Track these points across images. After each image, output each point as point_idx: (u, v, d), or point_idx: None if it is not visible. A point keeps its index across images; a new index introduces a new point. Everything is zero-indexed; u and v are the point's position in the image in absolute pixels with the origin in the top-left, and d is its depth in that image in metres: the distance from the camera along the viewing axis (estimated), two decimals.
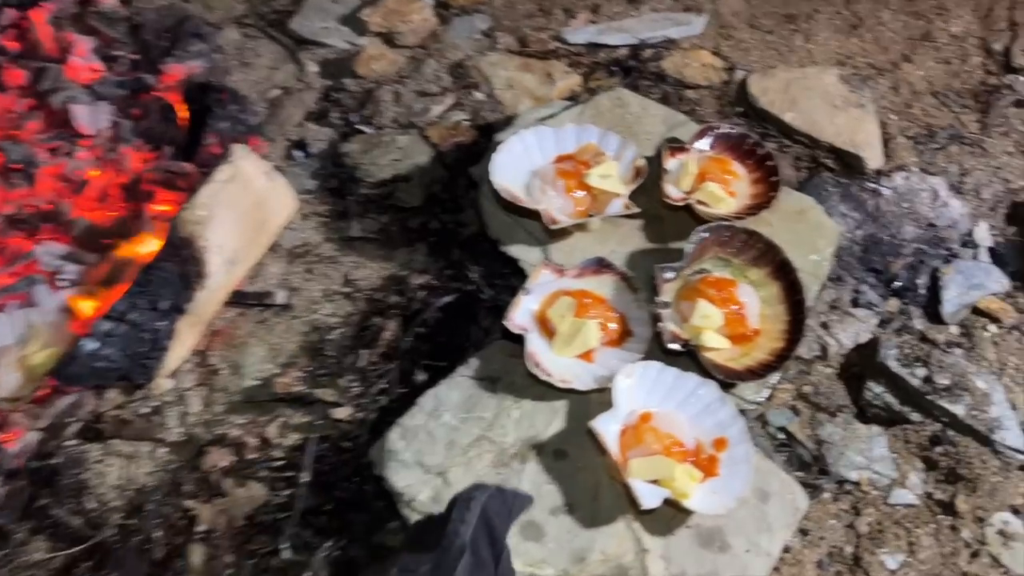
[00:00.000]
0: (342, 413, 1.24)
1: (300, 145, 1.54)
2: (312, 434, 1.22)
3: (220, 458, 1.22)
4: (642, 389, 1.13)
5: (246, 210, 1.36)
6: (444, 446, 1.12)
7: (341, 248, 1.44)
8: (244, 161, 1.35)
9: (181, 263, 1.28)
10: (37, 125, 1.59)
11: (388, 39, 1.70)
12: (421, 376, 1.25)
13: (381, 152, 1.51)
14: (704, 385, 1.13)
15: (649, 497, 1.03)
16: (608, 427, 1.08)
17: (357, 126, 1.57)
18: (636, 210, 1.27)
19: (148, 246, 1.39)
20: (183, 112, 1.59)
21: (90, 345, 1.26)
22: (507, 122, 1.53)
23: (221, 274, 1.33)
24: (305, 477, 1.18)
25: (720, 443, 1.09)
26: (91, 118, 1.58)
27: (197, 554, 1.14)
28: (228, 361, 1.33)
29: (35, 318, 1.33)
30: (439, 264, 1.39)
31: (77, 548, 1.16)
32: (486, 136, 1.55)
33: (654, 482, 1.05)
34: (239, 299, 1.38)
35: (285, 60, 1.70)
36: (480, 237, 1.37)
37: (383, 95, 1.62)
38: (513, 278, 1.31)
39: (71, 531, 1.18)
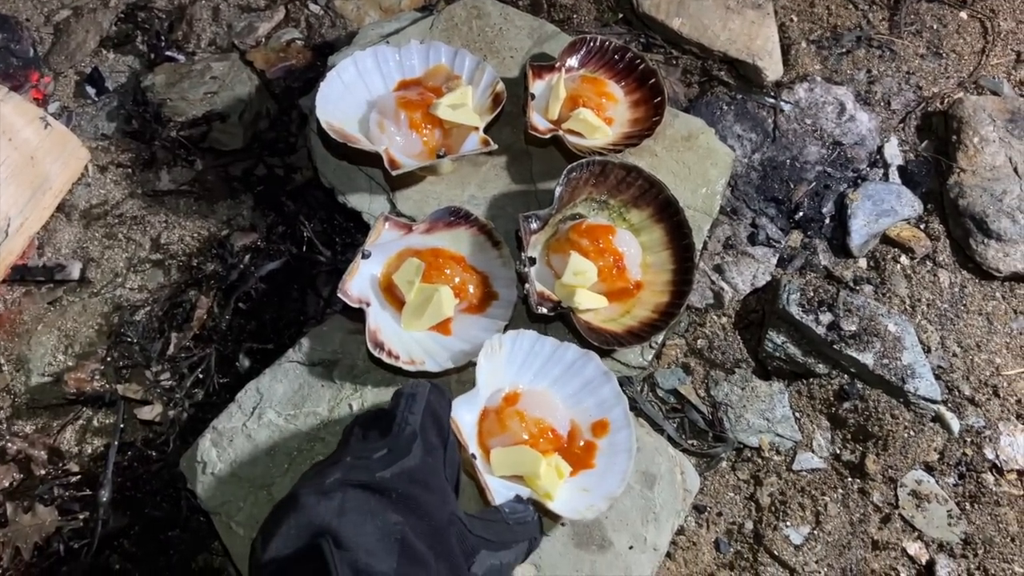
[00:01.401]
0: (150, 413, 1.02)
1: (93, 79, 1.26)
2: (113, 441, 1.01)
3: (1, 477, 1.01)
4: (512, 364, 0.95)
5: (15, 167, 1.09)
6: (266, 452, 0.92)
7: (149, 205, 1.19)
8: (5, 106, 1.08)
9: None
10: None
11: None
12: (244, 362, 1.04)
13: (192, 83, 1.24)
14: (585, 357, 0.95)
15: (498, 492, 0.86)
16: (463, 415, 0.89)
17: (167, 53, 1.29)
18: (494, 147, 1.06)
19: None
20: None
21: None
22: (348, 40, 1.28)
23: None
24: (104, 495, 0.98)
25: (600, 427, 0.93)
26: None
27: None
28: (10, 354, 1.08)
29: None
30: (268, 220, 1.16)
31: None
32: (321, 59, 1.29)
33: (516, 478, 0.88)
34: (22, 275, 1.13)
35: None
36: (315, 185, 1.14)
37: (199, 12, 1.34)
38: (357, 234, 1.10)
39: None
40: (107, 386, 1.03)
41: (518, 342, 0.95)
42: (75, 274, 1.13)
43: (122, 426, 1.00)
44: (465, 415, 0.90)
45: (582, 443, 0.91)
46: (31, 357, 1.07)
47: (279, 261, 1.07)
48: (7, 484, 0.99)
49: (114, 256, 1.15)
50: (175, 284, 1.10)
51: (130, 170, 1.20)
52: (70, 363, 1.06)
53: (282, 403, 0.95)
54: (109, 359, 1.05)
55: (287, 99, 1.24)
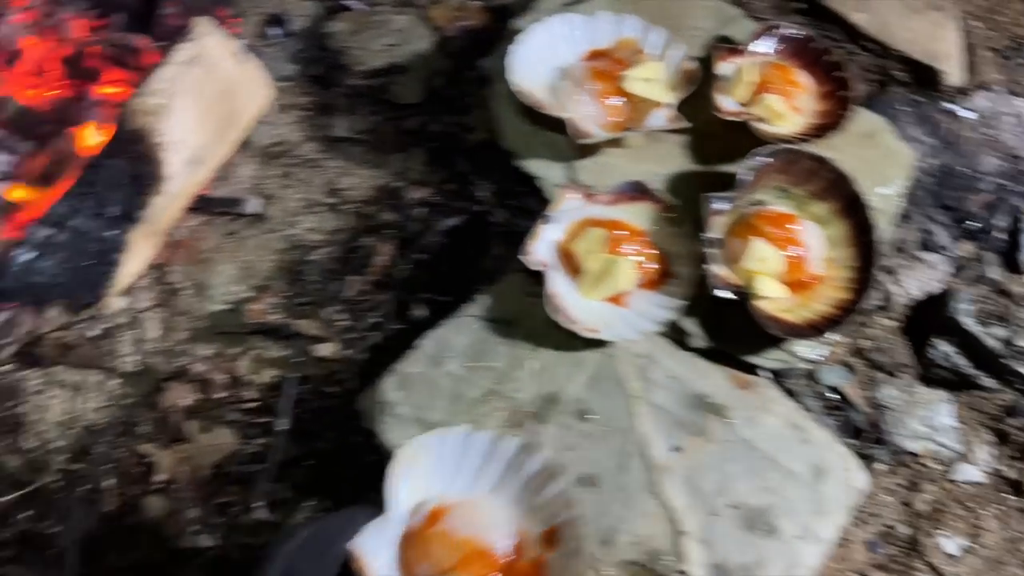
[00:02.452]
0: (326, 350, 1.06)
1: (277, 20, 1.29)
2: (291, 373, 1.05)
3: (182, 396, 1.05)
4: (438, 470, 0.81)
5: (212, 99, 1.13)
6: (448, 400, 0.95)
7: (324, 149, 1.22)
8: (210, 39, 1.11)
9: (133, 161, 1.06)
10: None
11: None
12: (420, 312, 1.07)
13: (373, 35, 1.27)
14: (531, 451, 0.83)
15: None
16: (374, 550, 0.74)
17: (345, 2, 1.32)
18: (685, 124, 1.07)
19: (94, 137, 1.18)
20: None
21: (25, 255, 1.05)
22: (524, 5, 1.29)
23: (182, 176, 1.11)
24: (283, 424, 1.01)
25: (550, 537, 0.80)
26: None
27: (155, 507, 0.99)
28: (191, 280, 1.13)
29: None
30: (439, 176, 1.18)
31: (14, 495, 1.00)
32: (499, 21, 1.31)
33: None
34: (204, 206, 1.16)
35: None
36: (490, 146, 1.16)
37: None
38: (529, 199, 1.12)
39: (6, 474, 1.02)
40: (284, 320, 1.07)
41: (446, 441, 0.82)
42: (253, 208, 1.16)
43: (298, 360, 1.04)
44: (378, 550, 0.75)
45: (528, 561, 0.78)
46: (210, 284, 1.11)
47: (460, 218, 1.09)
48: (188, 402, 1.04)
49: (290, 196, 1.18)
50: (350, 229, 1.13)
51: (309, 114, 1.23)
52: (248, 294, 1.10)
53: (462, 354, 0.97)
54: (286, 295, 1.09)
55: (463, 58, 1.26)
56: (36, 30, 1.26)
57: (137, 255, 1.10)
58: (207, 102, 1.11)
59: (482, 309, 1.01)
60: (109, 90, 1.20)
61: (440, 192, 1.15)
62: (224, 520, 0.98)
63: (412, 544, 0.77)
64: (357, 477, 0.98)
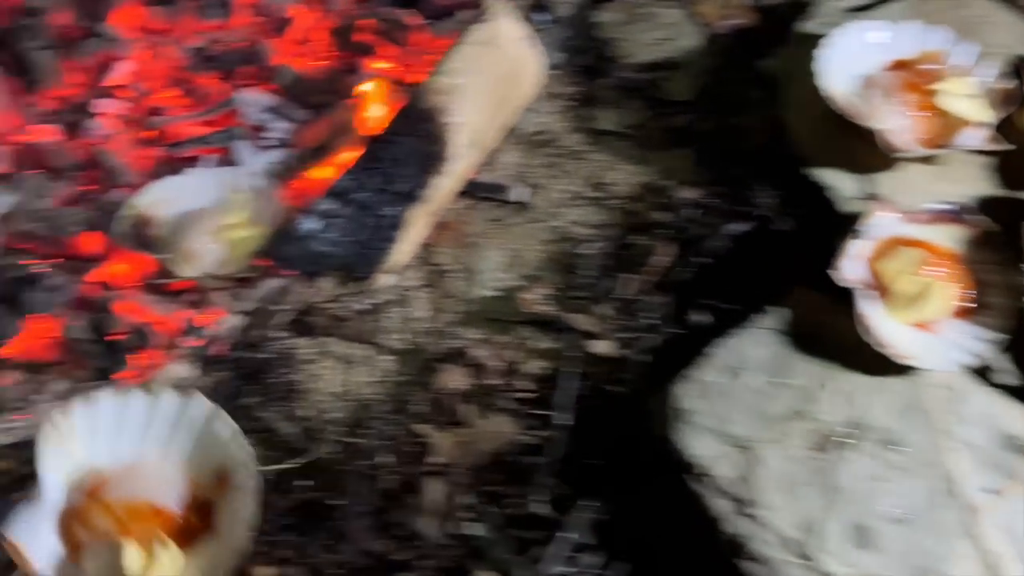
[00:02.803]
0: (602, 347, 1.04)
1: (542, 6, 1.27)
2: (566, 367, 1.03)
3: (455, 379, 1.04)
4: (93, 442, 0.81)
5: (496, 82, 1.12)
6: (749, 414, 0.92)
7: (589, 142, 1.20)
8: (504, 21, 1.10)
9: (422, 140, 1.06)
10: None
11: None
12: (701, 318, 1.04)
13: (643, 27, 1.24)
14: (185, 403, 0.84)
15: None
16: (29, 535, 0.74)
17: None
18: (1007, 147, 1.01)
19: (371, 111, 1.18)
20: None
21: (309, 224, 1.06)
22: (796, 8, 1.25)
23: (462, 158, 1.11)
24: (563, 419, 1.00)
25: (222, 479, 0.82)
26: None
27: (435, 490, 0.99)
28: (459, 263, 1.12)
29: (235, 181, 1.14)
30: (708, 177, 1.15)
31: (293, 462, 1.02)
32: (769, 21, 1.27)
33: None
34: (471, 189, 1.16)
35: None
36: (770, 151, 1.13)
37: None
38: (817, 209, 1.08)
39: (283, 440, 1.03)
40: (556, 313, 1.06)
41: (96, 410, 0.82)
42: (518, 196, 1.16)
43: (573, 355, 1.03)
44: (35, 535, 0.74)
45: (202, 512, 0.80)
46: (478, 269, 1.11)
47: (744, 223, 1.06)
48: (461, 386, 1.03)
49: (553, 186, 1.16)
50: (620, 226, 1.11)
51: (573, 104, 1.22)
52: (516, 282, 1.09)
53: (760, 368, 0.94)
54: (558, 287, 1.08)
55: (732, 57, 1.23)
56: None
57: (411, 234, 1.10)
58: (492, 85, 1.10)
59: (778, 322, 0.97)
60: (381, 65, 1.21)
61: (712, 194, 1.12)
62: (499, 511, 0.98)
63: (74, 521, 0.76)
64: (640, 480, 0.97)
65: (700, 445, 0.90)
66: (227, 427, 0.85)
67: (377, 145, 1.07)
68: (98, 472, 0.81)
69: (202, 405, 0.84)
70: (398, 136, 1.06)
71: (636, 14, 1.25)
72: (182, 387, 0.89)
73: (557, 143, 1.19)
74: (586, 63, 1.23)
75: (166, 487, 0.80)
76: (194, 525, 0.81)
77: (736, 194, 1.11)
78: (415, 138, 1.05)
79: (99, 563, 0.77)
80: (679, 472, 0.92)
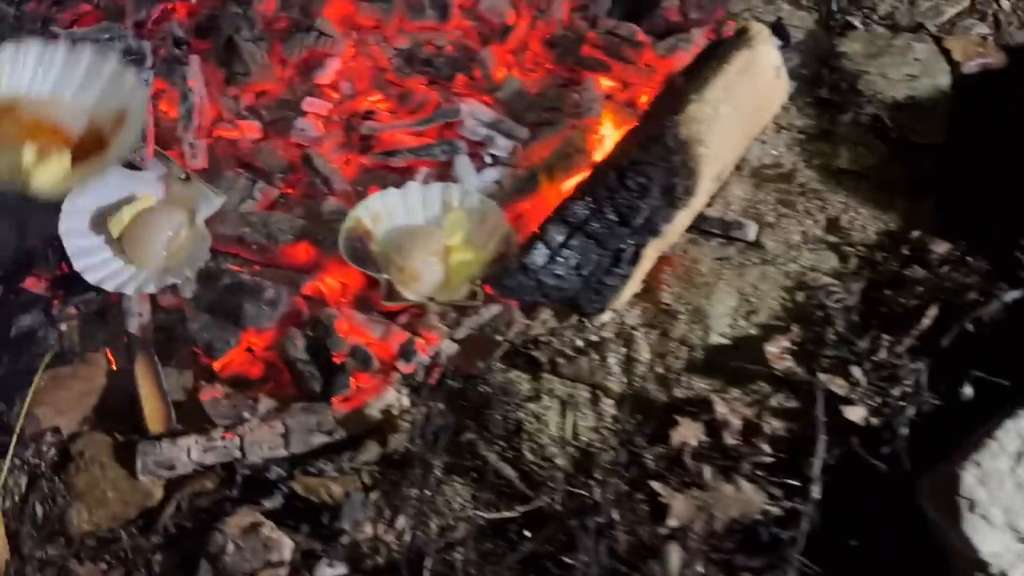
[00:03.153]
0: (855, 414, 0.95)
1: (777, 30, 1.18)
2: (814, 432, 0.95)
3: (690, 433, 0.97)
4: (15, 74, 1.04)
5: (748, 113, 1.03)
6: None
7: (824, 180, 1.10)
8: (764, 48, 1.02)
9: (669, 170, 0.98)
10: None
11: None
12: (967, 391, 0.96)
13: (891, 62, 1.15)
14: (101, 56, 1.06)
15: None
16: None
17: (847, 16, 1.21)
18: None
19: (601, 133, 1.11)
20: None
21: (536, 253, 0.99)
22: None
23: (705, 192, 1.03)
24: (814, 490, 0.93)
25: (120, 118, 1.04)
26: None
27: (673, 557, 0.92)
28: (687, 304, 1.04)
29: (456, 198, 1.07)
30: (960, 231, 1.06)
31: (516, 509, 0.95)
32: (1019, 64, 1.17)
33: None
34: (699, 224, 1.09)
35: None
36: None
37: None
38: None
39: (503, 482, 0.96)
40: (801, 370, 0.98)
41: (20, 55, 1.04)
42: (750, 235, 1.07)
43: (822, 419, 0.95)
44: None
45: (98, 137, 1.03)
46: (710, 313, 1.03)
47: (1020, 291, 0.97)
48: (694, 442, 0.96)
49: (787, 226, 1.08)
50: (869, 277, 1.03)
51: (806, 138, 1.13)
52: (752, 330, 1.02)
53: None
54: (801, 342, 1.00)
55: (984, 99, 1.13)
56: (514, 5, 1.20)
57: (642, 269, 1.03)
58: (743, 116, 1.02)
59: None
60: (608, 83, 1.13)
61: (971, 251, 1.03)
62: None
63: None
64: (904, 566, 0.89)
65: (992, 542, 0.82)
66: (132, 79, 1.05)
67: (615, 172, 0.99)
68: (17, 96, 1.04)
69: (114, 60, 1.06)
70: (642, 164, 0.97)
71: (885, 47, 1.15)
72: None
73: (789, 179, 1.10)
74: (824, 95, 1.14)
75: (71, 119, 1.04)
76: (88, 148, 1.03)
77: (1000, 253, 1.02)
78: (662, 168, 0.97)
79: (2, 162, 1.00)
80: (961, 564, 0.85)
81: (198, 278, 1.01)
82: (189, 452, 0.94)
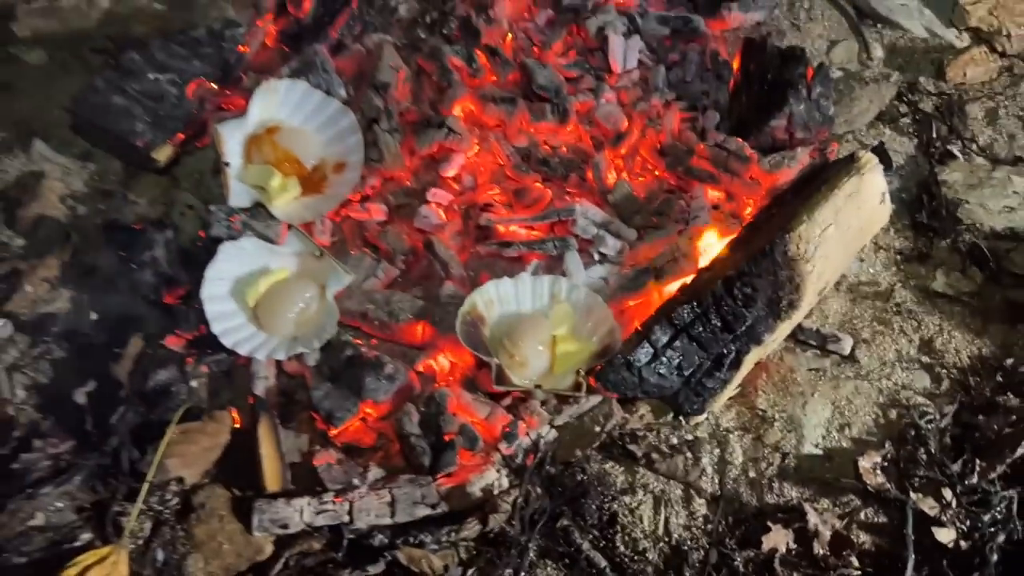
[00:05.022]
0: (945, 536, 0.98)
1: (881, 154, 1.23)
2: (909, 552, 0.97)
3: (780, 540, 1.00)
4: (284, 106, 1.21)
5: (851, 236, 1.08)
6: None
7: (920, 301, 1.15)
8: (872, 176, 1.07)
9: (775, 283, 1.04)
10: (560, 46, 1.35)
11: (988, 39, 1.37)
12: None
13: (992, 193, 1.20)
14: (344, 111, 1.21)
15: (236, 194, 1.15)
16: (232, 132, 1.18)
17: (947, 145, 1.26)
18: None
19: (707, 241, 1.17)
20: (734, 72, 1.29)
21: (645, 353, 1.04)
22: None
23: (806, 305, 1.08)
24: None
25: (339, 167, 1.20)
26: (624, 52, 1.31)
27: None
28: (780, 411, 1.08)
29: (565, 291, 1.13)
30: None
31: None
32: None
33: (258, 188, 1.17)
34: (796, 334, 1.13)
35: (846, 33, 1.40)
36: None
37: (973, 111, 1.30)
38: None
39: (594, 571, 0.99)
40: (893, 487, 1.00)
41: (293, 88, 1.22)
42: (846, 349, 1.11)
43: (913, 538, 0.97)
44: (235, 131, 1.18)
45: (320, 176, 1.20)
46: (803, 423, 1.07)
47: None
48: (783, 549, 0.99)
49: (883, 344, 1.12)
50: (964, 401, 1.05)
51: (904, 259, 1.18)
52: (844, 444, 1.05)
53: None
54: (895, 459, 1.02)
55: None
56: (627, 112, 1.29)
57: (741, 374, 1.08)
58: (847, 238, 1.07)
59: None
60: (714, 193, 1.20)
61: None
62: None
63: (253, 142, 1.19)
64: None
65: None
66: (358, 136, 1.20)
67: (723, 280, 1.05)
68: (277, 123, 1.21)
69: (352, 115, 1.21)
70: (751, 276, 1.03)
71: (986, 177, 1.21)
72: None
73: (886, 298, 1.15)
74: (923, 220, 1.19)
75: (308, 152, 1.21)
76: (313, 183, 1.20)
77: None
78: (768, 281, 1.03)
79: (254, 176, 1.17)
80: None
81: (323, 348, 1.09)
82: (302, 513, 1.00)
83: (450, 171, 1.21)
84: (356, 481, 1.02)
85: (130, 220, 1.20)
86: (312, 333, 1.08)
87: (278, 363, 1.10)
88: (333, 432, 1.04)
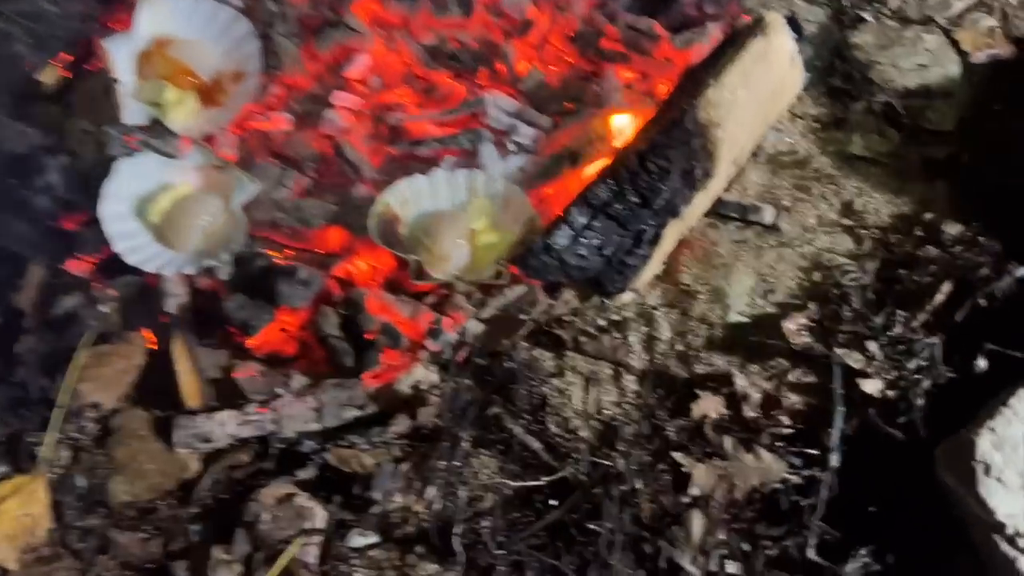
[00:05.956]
0: (871, 387, 0.98)
1: (792, 23, 1.22)
2: (830, 405, 0.98)
3: (712, 407, 1.00)
4: (175, 16, 1.16)
5: (762, 100, 1.06)
6: None
7: (839, 166, 1.14)
8: (779, 37, 1.05)
9: (689, 154, 1.02)
10: None
11: None
12: (980, 363, 0.98)
13: (904, 52, 1.18)
14: (238, 19, 1.16)
15: (131, 112, 1.10)
16: (120, 48, 1.12)
17: (858, 11, 1.24)
18: None
19: (621, 121, 1.14)
20: None
21: (561, 235, 1.02)
22: None
23: (723, 176, 1.07)
24: (833, 459, 0.95)
25: (237, 77, 1.15)
26: None
27: (695, 524, 0.94)
28: (705, 284, 1.07)
29: (481, 184, 1.11)
30: (974, 214, 1.09)
31: (540, 480, 0.98)
32: None
33: (154, 105, 1.12)
34: (717, 208, 1.12)
35: None
36: None
37: None
38: None
39: (528, 455, 0.99)
40: (818, 346, 1.00)
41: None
42: (767, 219, 1.10)
43: (839, 392, 0.98)
44: (121, 47, 1.12)
45: (218, 88, 1.15)
46: (728, 293, 1.06)
47: None
48: (715, 415, 0.99)
49: (804, 210, 1.11)
50: (885, 258, 1.05)
51: (821, 126, 1.17)
52: (769, 308, 1.04)
53: None
54: (818, 319, 1.02)
55: (995, 89, 1.16)
56: (538, 1, 1.25)
57: (661, 252, 1.06)
58: (758, 103, 1.05)
59: None
60: (627, 75, 1.17)
61: (984, 232, 1.05)
62: (758, 551, 0.92)
63: (144, 57, 1.14)
64: (921, 529, 0.91)
65: (1008, 504, 0.84)
66: (255, 43, 1.15)
67: (637, 155, 1.03)
68: (169, 36, 1.15)
69: (247, 22, 1.16)
70: (663, 147, 1.00)
71: (896, 38, 1.19)
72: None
73: (805, 165, 1.14)
74: (838, 85, 1.17)
75: (204, 64, 1.15)
76: (211, 96, 1.15)
77: (1011, 234, 1.05)
78: (681, 151, 1.01)
79: (148, 93, 1.12)
80: (978, 527, 0.87)
81: (234, 261, 1.06)
82: (224, 426, 0.98)
83: (354, 72, 1.17)
84: (280, 390, 1.00)
85: (23, 149, 1.15)
86: (220, 246, 1.04)
87: (190, 280, 1.06)
88: (251, 343, 1.02)
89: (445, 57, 1.20)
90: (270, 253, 1.06)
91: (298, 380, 1.01)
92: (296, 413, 0.99)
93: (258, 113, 1.17)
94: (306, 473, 0.97)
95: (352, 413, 0.99)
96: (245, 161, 1.13)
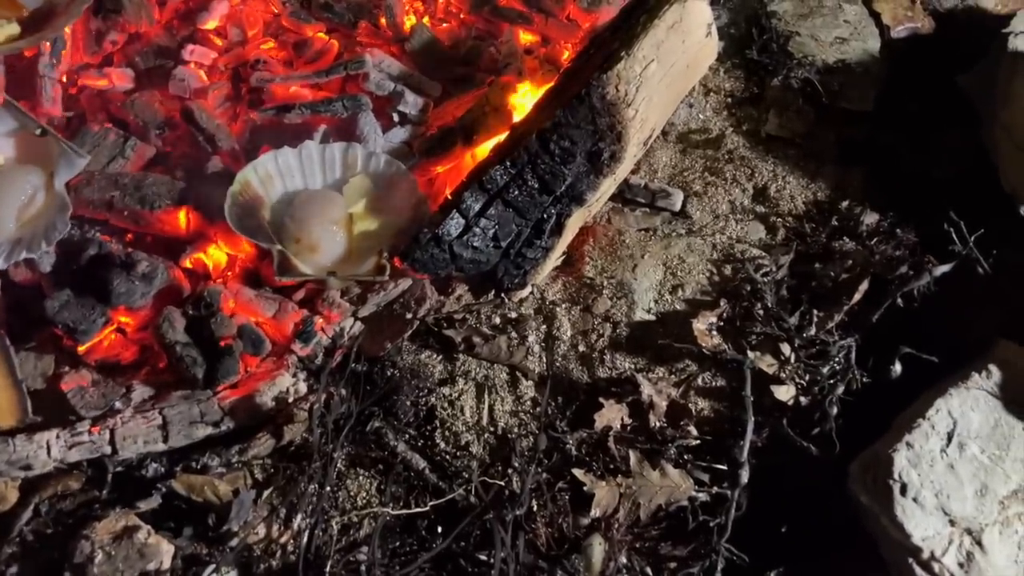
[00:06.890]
0: (784, 394, 0.91)
1: None
2: (741, 411, 0.90)
3: (614, 416, 0.91)
4: None
5: (676, 74, 0.96)
6: (974, 491, 0.82)
7: (752, 146, 1.06)
8: (695, 3, 0.94)
9: (595, 134, 0.91)
10: None
11: None
12: (894, 367, 0.92)
13: (823, 23, 1.10)
14: None
15: None
16: None
17: None
18: None
19: (520, 92, 1.01)
20: None
21: (455, 225, 0.90)
22: (970, 15, 1.12)
23: (632, 158, 0.96)
24: (742, 475, 0.88)
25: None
26: None
27: (596, 550, 0.85)
28: (610, 277, 0.98)
29: (359, 160, 0.96)
30: (891, 202, 1.02)
31: (426, 504, 0.86)
32: (946, 29, 1.14)
33: None
34: (623, 192, 1.02)
35: None
36: (965, 179, 1.01)
37: None
38: None
39: (412, 475, 0.87)
40: (729, 348, 0.93)
41: None
42: (676, 205, 1.01)
43: (749, 398, 0.90)
44: None
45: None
46: (634, 288, 0.96)
47: (948, 264, 0.94)
48: (618, 426, 0.90)
49: (715, 195, 1.02)
50: (799, 249, 0.98)
51: (735, 101, 1.08)
52: (678, 305, 0.96)
53: (982, 438, 0.83)
54: (730, 318, 0.94)
55: (915, 66, 1.10)
56: None
57: (564, 241, 0.96)
58: (672, 77, 0.95)
59: (994, 384, 0.86)
60: (528, 37, 1.04)
61: (901, 224, 1.00)
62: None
63: None
64: (832, 548, 0.85)
65: (924, 527, 0.78)
66: None
67: (538, 135, 0.91)
68: None
69: None
70: (567, 127, 0.89)
71: (817, 7, 1.11)
72: None
73: (718, 145, 1.05)
74: (753, 57, 1.08)
75: None
76: (40, 22, 0.98)
77: (931, 226, 0.99)
78: (587, 131, 0.90)
79: None
80: (892, 548, 0.82)
81: (58, 250, 0.89)
82: (49, 449, 0.82)
83: (210, 22, 1.00)
84: (118, 404, 0.85)
85: None
86: (40, 232, 0.86)
87: (4, 273, 0.89)
88: (81, 349, 0.86)
89: (318, 7, 1.04)
90: (103, 240, 0.89)
91: (140, 392, 0.86)
92: (137, 431, 0.83)
93: (92, 66, 0.99)
94: (149, 503, 0.82)
95: (204, 431, 0.84)
96: (73, 127, 0.96)
